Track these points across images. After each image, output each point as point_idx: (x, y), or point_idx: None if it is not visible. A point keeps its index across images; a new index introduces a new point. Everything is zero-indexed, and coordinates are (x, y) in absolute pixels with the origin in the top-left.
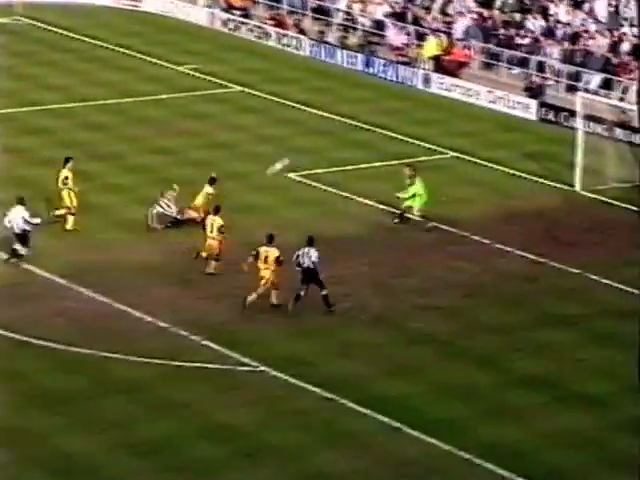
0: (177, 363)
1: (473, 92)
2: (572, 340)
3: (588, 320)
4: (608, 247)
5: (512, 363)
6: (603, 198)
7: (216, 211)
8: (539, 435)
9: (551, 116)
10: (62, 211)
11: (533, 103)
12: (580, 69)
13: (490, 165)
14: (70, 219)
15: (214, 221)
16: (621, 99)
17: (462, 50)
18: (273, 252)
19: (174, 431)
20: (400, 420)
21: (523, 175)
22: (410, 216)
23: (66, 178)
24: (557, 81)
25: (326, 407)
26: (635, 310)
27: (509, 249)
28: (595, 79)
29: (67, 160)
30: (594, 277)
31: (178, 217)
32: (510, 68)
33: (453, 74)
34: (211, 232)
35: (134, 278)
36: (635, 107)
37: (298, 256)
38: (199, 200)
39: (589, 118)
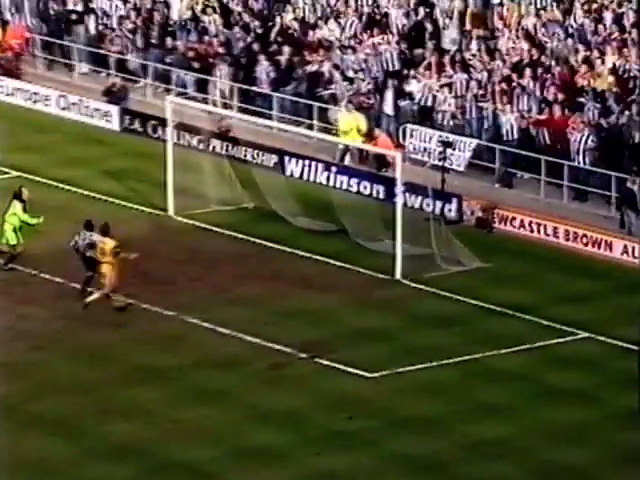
0: None
1: (41, 97)
2: (167, 398)
3: (185, 373)
4: (207, 282)
5: (99, 428)
6: (201, 224)
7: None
8: None
9: (137, 125)
10: None
11: (114, 110)
12: (170, 68)
13: (62, 186)
14: None
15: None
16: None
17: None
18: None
19: None
20: None
21: (104, 197)
22: None
23: None
24: (143, 82)
25: None
26: (234, 356)
27: (89, 289)
28: (189, 80)
29: None
30: (192, 320)
31: None
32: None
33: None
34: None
35: None
36: (236, 114)
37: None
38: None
39: (182, 127)
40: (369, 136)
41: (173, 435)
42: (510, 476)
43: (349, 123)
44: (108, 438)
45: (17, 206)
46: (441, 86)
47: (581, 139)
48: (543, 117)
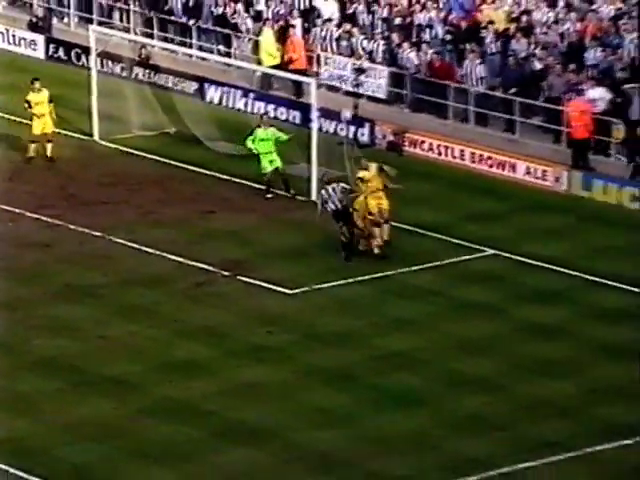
0: None
1: None
2: (94, 315)
3: (112, 291)
4: (133, 205)
5: (27, 343)
6: (125, 148)
7: None
8: (52, 427)
9: (61, 54)
10: None
11: (40, 39)
12: None
13: None
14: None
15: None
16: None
17: None
18: None
19: None
20: None
21: (30, 122)
22: None
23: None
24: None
25: None
26: (159, 274)
27: (18, 210)
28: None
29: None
30: (118, 240)
31: None
32: None
33: None
34: None
35: None
36: (155, 42)
37: None
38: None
39: (105, 55)
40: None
41: (101, 350)
42: (420, 386)
43: (270, 46)
44: (37, 353)
45: None
46: (350, 18)
47: (474, 69)
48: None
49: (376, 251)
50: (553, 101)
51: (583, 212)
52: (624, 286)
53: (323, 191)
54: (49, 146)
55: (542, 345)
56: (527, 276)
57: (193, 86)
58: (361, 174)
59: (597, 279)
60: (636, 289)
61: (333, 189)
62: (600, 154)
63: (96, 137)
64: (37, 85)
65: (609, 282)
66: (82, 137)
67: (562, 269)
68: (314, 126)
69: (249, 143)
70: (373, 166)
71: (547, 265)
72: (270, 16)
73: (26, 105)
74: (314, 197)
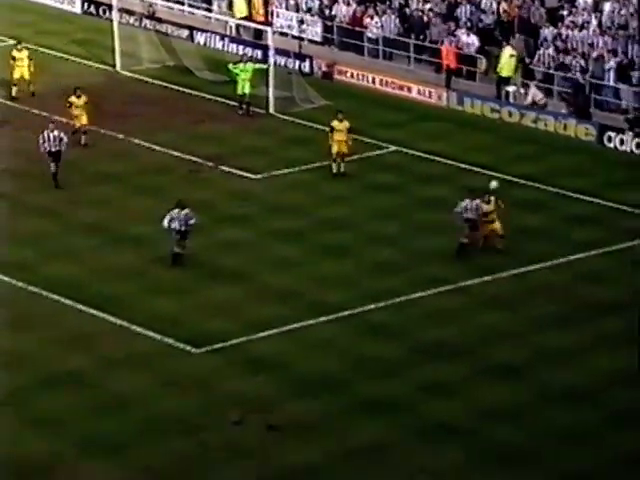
0: None
1: None
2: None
3: (129, 177)
4: (146, 117)
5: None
6: (139, 76)
7: None
8: None
9: (92, 9)
10: None
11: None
12: None
13: (42, 50)
14: None
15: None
16: None
17: None
18: None
19: None
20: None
21: (72, 58)
22: None
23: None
24: None
25: None
26: (163, 164)
27: (58, 119)
28: None
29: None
30: (136, 141)
31: None
32: None
33: None
34: None
35: None
36: (159, 1)
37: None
38: None
39: (124, 11)
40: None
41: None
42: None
43: (241, 4)
44: None
45: None
46: None
47: (385, 21)
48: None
49: (499, 246)
50: (436, 43)
51: (458, 120)
52: (486, 172)
53: (463, 205)
54: (31, 86)
55: (428, 212)
56: (419, 165)
57: (185, 32)
58: (334, 123)
59: (468, 167)
60: (495, 173)
61: (471, 205)
62: (470, 80)
63: (118, 68)
64: (19, 47)
65: (476, 169)
66: (108, 68)
67: (444, 160)
68: (271, 61)
69: (232, 69)
70: (492, 199)
71: (434, 157)
72: None
73: (11, 60)
74: (272, 110)
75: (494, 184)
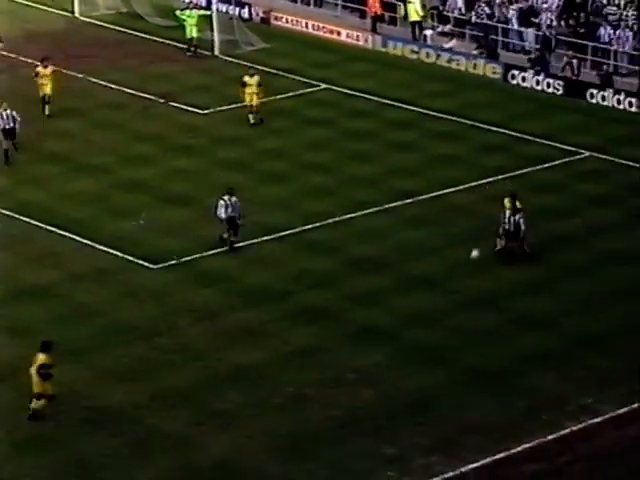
0: None
1: None
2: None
3: (90, 111)
4: (103, 58)
5: None
6: (96, 22)
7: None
8: None
9: None
10: None
11: None
12: None
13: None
14: None
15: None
16: None
17: None
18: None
19: None
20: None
21: (32, 4)
22: None
23: None
24: None
25: None
26: (121, 100)
27: (30, 60)
28: None
29: None
30: (94, 80)
31: None
32: None
33: None
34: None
35: None
36: None
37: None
38: None
39: None
40: None
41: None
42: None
43: None
44: None
45: None
46: None
47: None
48: None
49: (527, 250)
50: None
51: (382, 61)
52: (407, 106)
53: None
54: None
55: (356, 143)
56: (348, 102)
57: None
58: (245, 78)
59: (389, 102)
60: (414, 107)
61: (514, 218)
62: (391, 25)
63: (77, 14)
64: None
65: (398, 104)
66: (68, 14)
67: (371, 97)
68: (214, 8)
69: (179, 15)
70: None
71: (361, 94)
72: None
73: None
74: (217, 53)
75: (475, 254)
